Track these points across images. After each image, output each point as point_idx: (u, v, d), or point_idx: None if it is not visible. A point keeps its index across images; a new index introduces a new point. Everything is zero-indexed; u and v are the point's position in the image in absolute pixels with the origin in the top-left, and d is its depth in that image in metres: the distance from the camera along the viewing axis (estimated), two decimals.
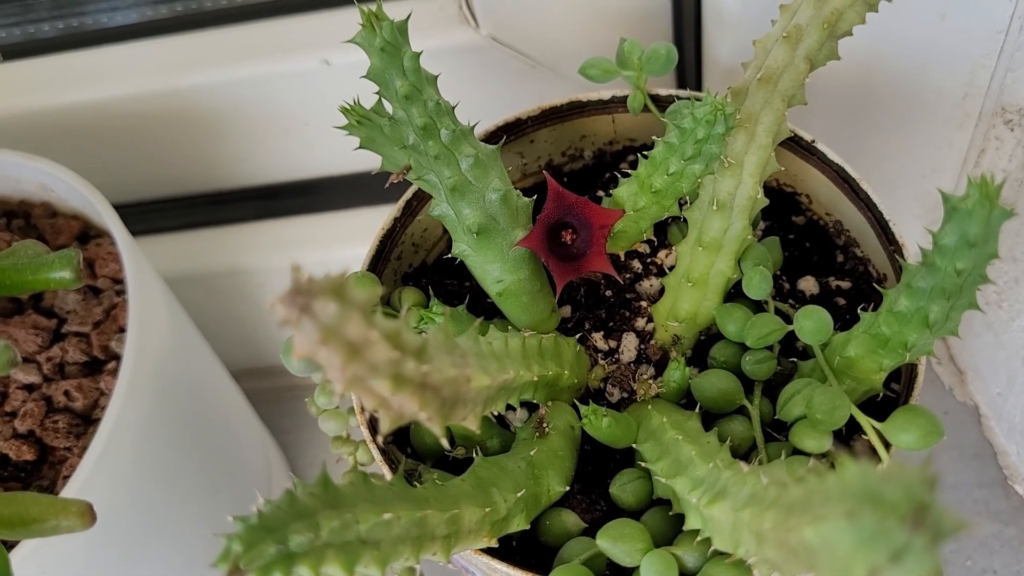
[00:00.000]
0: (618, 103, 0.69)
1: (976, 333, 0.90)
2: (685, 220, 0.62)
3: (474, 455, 0.55)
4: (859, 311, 0.54)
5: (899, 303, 0.49)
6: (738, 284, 0.62)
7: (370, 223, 0.90)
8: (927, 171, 0.82)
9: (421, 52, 0.55)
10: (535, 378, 0.54)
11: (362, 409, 0.59)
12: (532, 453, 0.55)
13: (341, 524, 0.40)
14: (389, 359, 0.37)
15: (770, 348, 0.60)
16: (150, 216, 0.92)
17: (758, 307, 0.62)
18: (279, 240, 0.92)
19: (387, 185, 0.64)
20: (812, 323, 0.55)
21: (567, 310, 0.67)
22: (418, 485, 0.49)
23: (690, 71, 0.77)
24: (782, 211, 0.70)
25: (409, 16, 0.54)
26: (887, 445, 0.53)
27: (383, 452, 0.57)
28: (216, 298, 0.93)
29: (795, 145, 0.65)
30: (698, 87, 0.80)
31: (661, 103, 0.68)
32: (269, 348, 1.04)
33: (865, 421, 0.53)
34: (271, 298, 0.35)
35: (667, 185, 0.57)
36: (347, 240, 0.91)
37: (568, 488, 0.57)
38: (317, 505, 0.40)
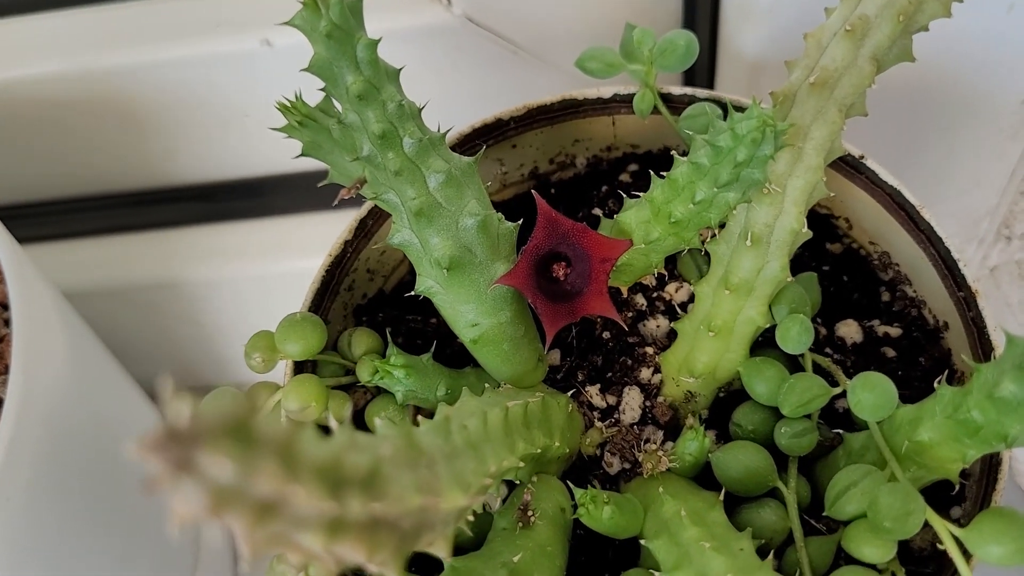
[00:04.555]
0: (620, 102, 0.57)
1: None
2: (705, 252, 0.50)
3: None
4: (936, 384, 0.42)
5: (1003, 387, 0.38)
6: (766, 330, 0.50)
7: (323, 230, 0.77)
8: (970, 185, 0.70)
9: (379, 40, 0.42)
10: (520, 463, 0.42)
11: None
12: (516, 560, 0.43)
13: None
14: (321, 511, 0.25)
15: (808, 416, 0.49)
16: (60, 219, 0.78)
17: (791, 360, 0.51)
18: (215, 248, 0.79)
19: (335, 203, 0.51)
20: (873, 397, 0.44)
21: (555, 356, 0.55)
22: None
23: (701, 67, 0.65)
24: (815, 236, 0.58)
25: None
26: (966, 554, 0.42)
27: None
28: (138, 315, 0.80)
29: (838, 160, 0.53)
30: (710, 85, 0.67)
31: (673, 104, 0.56)
32: (203, 370, 0.90)
33: (942, 527, 0.42)
34: (133, 441, 0.23)
35: (690, 216, 0.45)
36: (296, 250, 0.78)
37: None
38: None
